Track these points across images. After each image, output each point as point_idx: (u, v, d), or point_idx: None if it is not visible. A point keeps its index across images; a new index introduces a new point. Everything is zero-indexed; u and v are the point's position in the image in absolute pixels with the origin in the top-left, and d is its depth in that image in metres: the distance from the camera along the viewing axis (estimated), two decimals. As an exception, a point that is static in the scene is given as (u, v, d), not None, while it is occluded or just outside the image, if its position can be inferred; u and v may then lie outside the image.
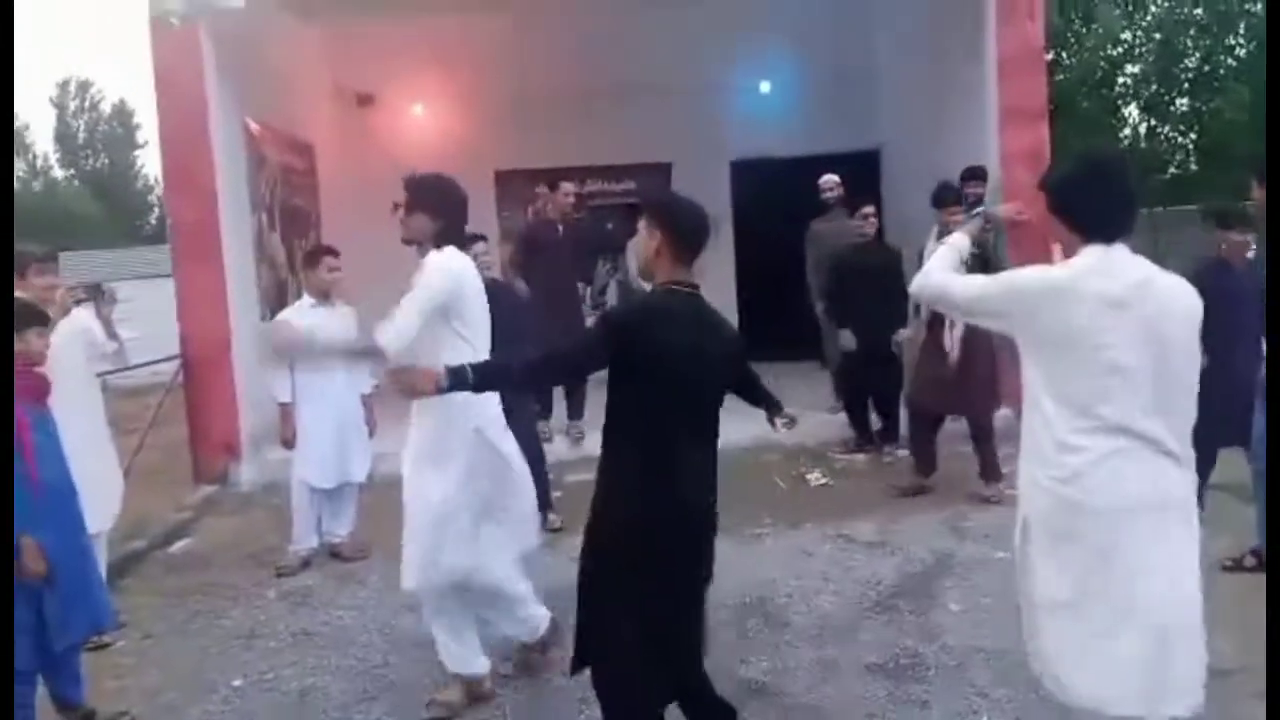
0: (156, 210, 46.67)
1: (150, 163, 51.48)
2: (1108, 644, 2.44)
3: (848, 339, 7.12)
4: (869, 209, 7.16)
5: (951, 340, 5.90)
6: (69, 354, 4.34)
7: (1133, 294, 2.43)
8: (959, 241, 2.98)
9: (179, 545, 6.00)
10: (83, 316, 4.64)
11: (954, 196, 6.36)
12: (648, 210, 3.02)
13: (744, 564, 4.96)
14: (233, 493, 6.99)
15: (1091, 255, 2.49)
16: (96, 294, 4.79)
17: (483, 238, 5.75)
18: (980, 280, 2.75)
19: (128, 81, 72.37)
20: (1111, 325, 2.41)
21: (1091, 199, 2.52)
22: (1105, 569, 2.43)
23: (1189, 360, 2.47)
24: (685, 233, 2.92)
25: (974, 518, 5.62)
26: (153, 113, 7.34)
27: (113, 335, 4.77)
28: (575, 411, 7.36)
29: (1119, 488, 2.41)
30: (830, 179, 7.97)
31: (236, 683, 4.08)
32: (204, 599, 5.06)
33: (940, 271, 2.85)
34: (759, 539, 5.44)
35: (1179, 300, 2.48)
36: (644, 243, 2.98)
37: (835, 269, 7.26)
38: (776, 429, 3.29)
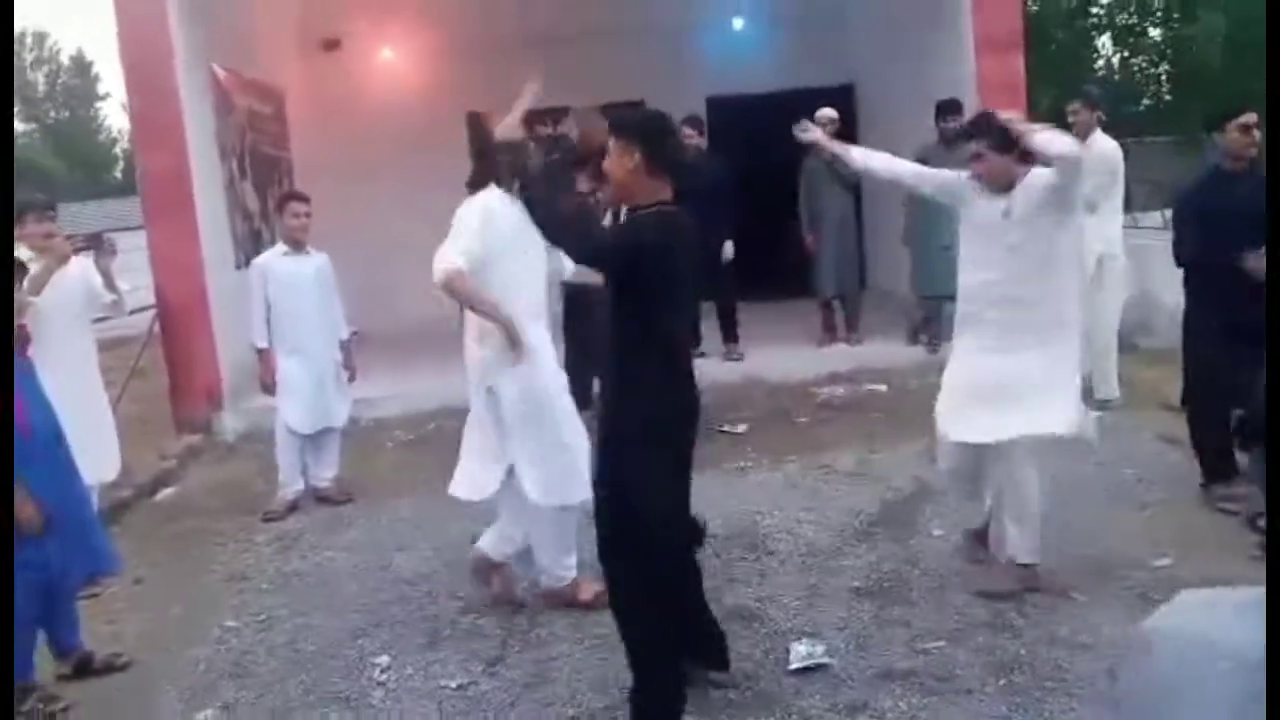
0: (121, 163, 45.79)
1: (113, 114, 50.44)
2: None
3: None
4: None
5: None
6: (66, 303, 4.35)
7: None
8: None
9: (164, 493, 6.01)
10: (81, 266, 4.64)
11: None
12: (616, 130, 2.99)
13: (729, 497, 5.03)
14: (215, 441, 6.99)
15: None
16: (97, 244, 4.78)
17: None
18: None
19: (85, 31, 70.59)
20: None
21: None
22: None
23: None
24: (660, 142, 2.94)
25: (952, 447, 5.69)
26: (113, 63, 7.29)
27: (111, 286, 4.76)
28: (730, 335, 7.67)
29: None
30: (827, 113, 7.83)
31: (230, 623, 4.13)
32: (193, 545, 5.09)
33: None
34: (743, 472, 5.51)
35: None
36: (617, 166, 2.97)
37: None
38: None
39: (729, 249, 7.56)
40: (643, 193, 2.97)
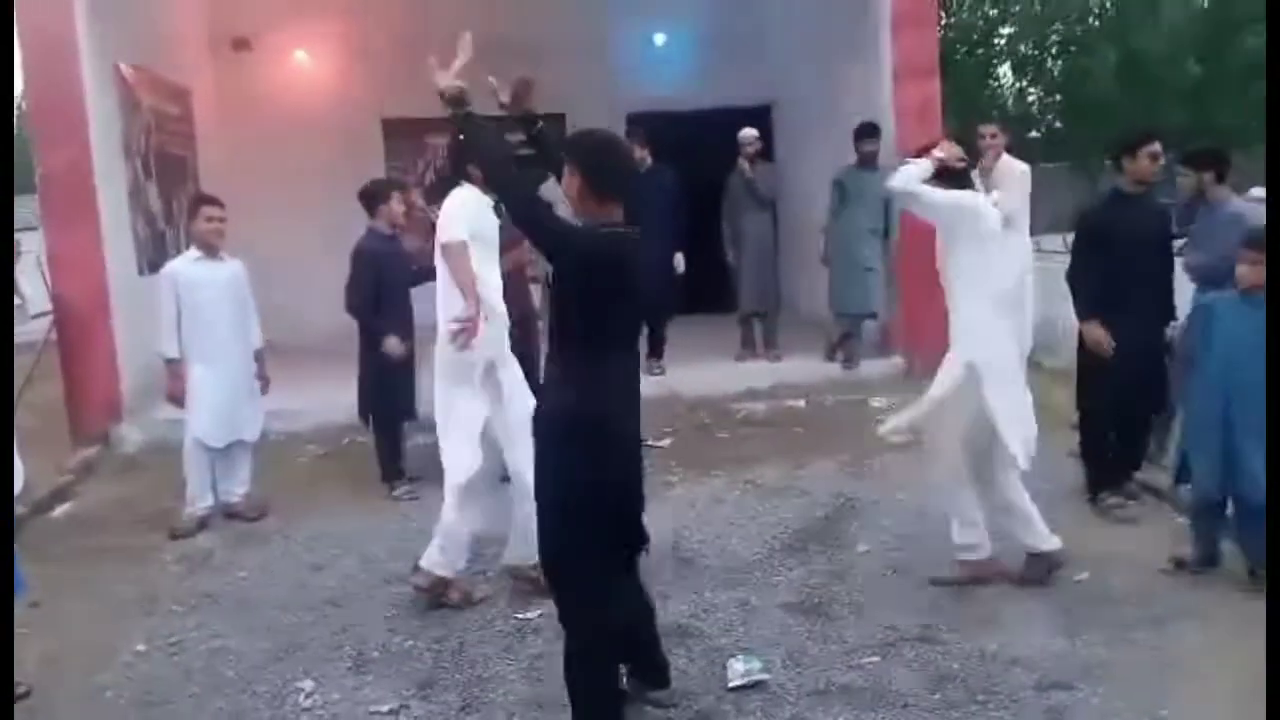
0: (4, 161, 43.53)
1: (-4, 109, 48.01)
2: None
3: None
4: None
5: None
6: None
7: None
8: None
9: (62, 509, 5.71)
10: None
11: None
12: (565, 149, 3.03)
13: (657, 512, 4.95)
14: (116, 454, 6.65)
15: None
16: None
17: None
18: None
19: (-34, 21, 67.19)
20: None
21: None
22: None
23: None
24: (599, 167, 2.94)
25: (872, 463, 5.80)
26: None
27: (14, 290, 4.49)
28: (656, 352, 7.66)
29: None
30: (750, 133, 7.94)
31: (140, 648, 3.93)
32: (95, 564, 4.83)
33: None
34: (669, 487, 5.49)
35: None
36: (567, 185, 2.99)
37: None
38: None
39: (679, 261, 7.59)
40: (588, 212, 2.97)
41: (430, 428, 6.00)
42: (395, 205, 5.80)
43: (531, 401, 3.80)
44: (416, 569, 4.12)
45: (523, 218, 2.95)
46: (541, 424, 3.03)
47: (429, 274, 5.64)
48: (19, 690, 3.55)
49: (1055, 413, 6.17)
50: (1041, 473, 5.20)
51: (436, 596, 4.10)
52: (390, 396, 5.74)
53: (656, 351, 7.70)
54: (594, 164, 2.95)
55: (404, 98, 10.02)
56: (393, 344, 5.57)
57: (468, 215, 4.14)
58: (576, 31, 9.91)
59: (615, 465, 2.98)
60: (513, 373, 4.21)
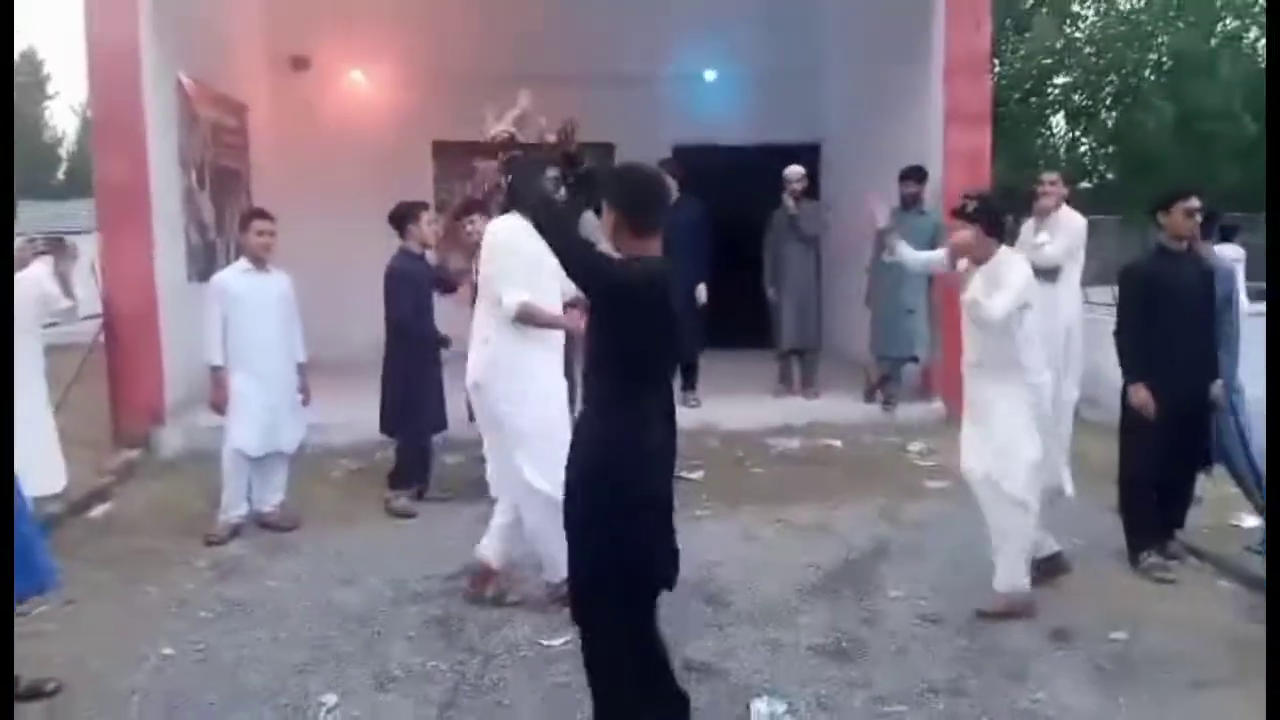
0: (65, 165, 44.61)
1: (59, 115, 49.25)
2: None
3: None
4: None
5: None
6: (18, 311, 4.18)
7: None
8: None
9: (100, 509, 5.77)
10: (37, 272, 4.49)
11: None
12: (601, 187, 3.07)
13: (685, 546, 4.93)
14: (155, 458, 6.75)
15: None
16: (58, 248, 4.62)
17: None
18: None
19: (37, 27, 69.06)
20: None
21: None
22: None
23: None
24: (634, 204, 2.97)
25: (908, 508, 5.73)
26: (65, 63, 7.05)
27: (69, 292, 4.61)
28: (689, 383, 7.72)
29: None
30: (796, 170, 7.92)
31: (167, 651, 3.95)
32: (129, 566, 4.87)
33: None
34: (699, 521, 5.46)
35: None
36: (604, 220, 3.02)
37: None
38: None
39: (702, 292, 7.54)
40: (626, 247, 2.99)
41: (457, 446, 6.17)
42: (424, 226, 5.89)
43: (522, 423, 4.10)
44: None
45: (560, 250, 2.96)
46: (576, 454, 3.02)
47: (447, 285, 5.96)
48: (48, 687, 3.60)
49: (1096, 466, 6.08)
50: (1080, 529, 5.15)
51: (480, 583, 4.38)
52: (422, 407, 5.79)
53: (690, 383, 7.68)
54: (629, 200, 2.98)
55: (454, 122, 10.17)
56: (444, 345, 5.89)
57: (514, 256, 4.07)
58: (626, 63, 10.00)
59: (648, 499, 2.96)
60: (506, 397, 4.14)
